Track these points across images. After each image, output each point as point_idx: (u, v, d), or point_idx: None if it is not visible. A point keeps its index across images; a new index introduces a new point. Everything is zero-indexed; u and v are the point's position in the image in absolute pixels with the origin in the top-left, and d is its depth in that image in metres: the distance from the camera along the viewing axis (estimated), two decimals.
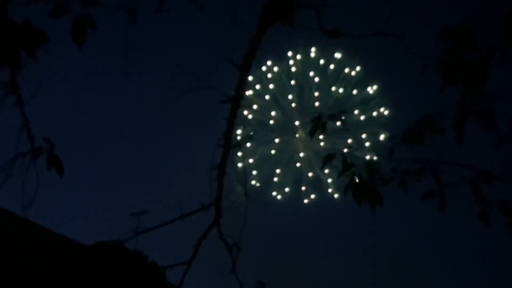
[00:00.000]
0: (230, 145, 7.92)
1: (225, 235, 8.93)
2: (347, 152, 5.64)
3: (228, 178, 8.24)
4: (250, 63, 7.13)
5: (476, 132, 5.33)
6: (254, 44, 6.92)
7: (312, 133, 5.91)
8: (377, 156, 5.72)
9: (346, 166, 5.56)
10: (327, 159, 5.67)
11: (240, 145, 8.10)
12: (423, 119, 5.52)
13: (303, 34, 7.02)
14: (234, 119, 7.61)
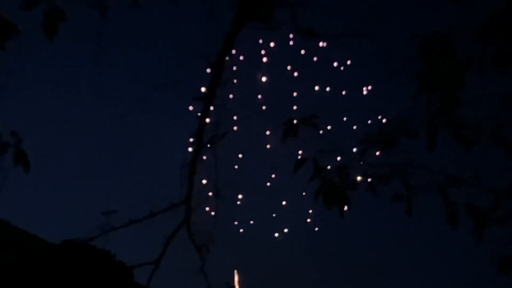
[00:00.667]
0: (201, 143, 7.88)
1: (195, 234, 8.88)
2: (319, 156, 5.65)
3: (199, 177, 8.20)
4: (224, 60, 7.10)
5: (447, 136, 5.37)
6: (228, 41, 6.89)
7: (285, 137, 5.90)
8: (348, 159, 5.72)
9: (317, 170, 5.58)
10: (299, 163, 5.67)
11: (212, 144, 8.06)
12: (393, 122, 5.56)
13: (278, 33, 7.02)
14: (206, 116, 7.57)
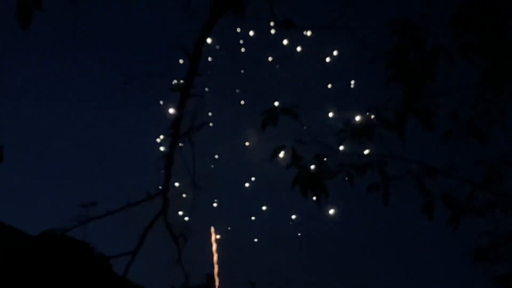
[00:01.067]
0: (178, 134, 7.83)
1: (172, 225, 8.85)
2: (297, 146, 5.65)
3: (175, 167, 8.16)
4: (200, 51, 7.05)
5: (421, 127, 5.39)
6: (205, 32, 6.84)
7: (264, 127, 5.88)
8: (326, 149, 5.72)
9: (295, 159, 5.57)
10: (276, 151, 5.65)
11: (189, 134, 8.01)
12: (370, 112, 5.57)
13: (256, 24, 6.99)
14: (183, 107, 7.52)
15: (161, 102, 7.58)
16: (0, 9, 5.35)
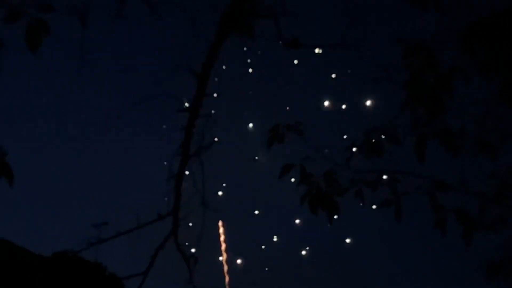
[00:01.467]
0: (188, 155, 7.85)
1: (183, 245, 8.84)
2: (305, 163, 5.65)
3: (186, 188, 8.17)
4: (208, 71, 7.09)
5: (433, 143, 5.39)
6: (212, 52, 6.88)
7: (270, 144, 5.89)
8: (335, 166, 5.72)
9: (304, 176, 5.57)
10: (285, 169, 5.66)
11: (198, 155, 8.03)
12: (378, 129, 5.58)
13: (262, 44, 7.03)
14: (192, 128, 7.55)
15: (164, 127, 7.62)
16: (10, 32, 5.42)
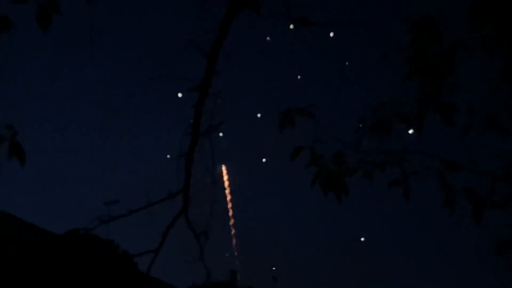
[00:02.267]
0: (198, 133, 7.88)
1: (193, 223, 8.91)
2: (315, 146, 5.67)
3: (196, 166, 8.21)
4: (218, 50, 7.08)
5: (440, 121, 5.38)
6: (222, 31, 6.87)
7: (281, 129, 5.91)
8: (345, 147, 5.74)
9: (314, 158, 5.60)
10: (296, 151, 5.68)
11: (208, 134, 8.06)
12: (386, 107, 5.58)
13: (272, 22, 7.00)
14: (201, 107, 7.57)
15: (180, 95, 7.61)
16: (20, 13, 5.43)
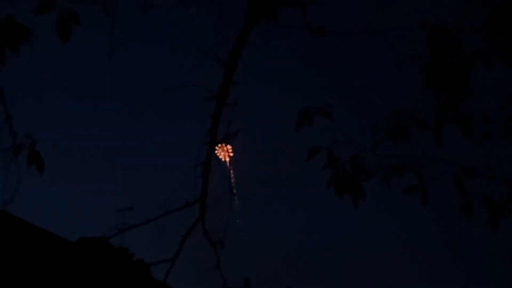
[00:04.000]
0: (215, 142, 7.93)
1: (210, 231, 8.94)
2: (332, 147, 5.69)
3: (213, 175, 8.26)
4: (235, 60, 7.14)
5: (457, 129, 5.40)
6: (239, 40, 6.93)
7: (298, 127, 5.94)
8: (362, 150, 5.75)
9: (331, 160, 5.62)
10: (312, 152, 5.70)
11: (225, 142, 8.12)
12: (403, 113, 5.60)
13: (289, 31, 7.05)
14: (219, 116, 7.62)
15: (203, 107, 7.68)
16: (40, 24, 5.52)
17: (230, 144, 8.06)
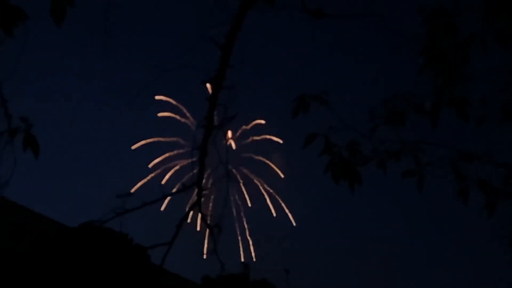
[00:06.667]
0: (212, 126, 7.90)
1: (207, 216, 8.94)
2: (329, 134, 5.68)
3: (210, 159, 8.24)
4: (232, 42, 7.09)
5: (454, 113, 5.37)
6: (236, 23, 6.89)
7: (295, 114, 5.91)
8: (359, 136, 5.74)
9: (327, 146, 5.61)
10: (309, 139, 5.69)
11: (222, 126, 8.08)
12: (399, 96, 5.59)
13: (286, 14, 7.00)
14: (215, 99, 7.59)
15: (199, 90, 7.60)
16: (34, 6, 5.46)
17: (226, 127, 8.02)
